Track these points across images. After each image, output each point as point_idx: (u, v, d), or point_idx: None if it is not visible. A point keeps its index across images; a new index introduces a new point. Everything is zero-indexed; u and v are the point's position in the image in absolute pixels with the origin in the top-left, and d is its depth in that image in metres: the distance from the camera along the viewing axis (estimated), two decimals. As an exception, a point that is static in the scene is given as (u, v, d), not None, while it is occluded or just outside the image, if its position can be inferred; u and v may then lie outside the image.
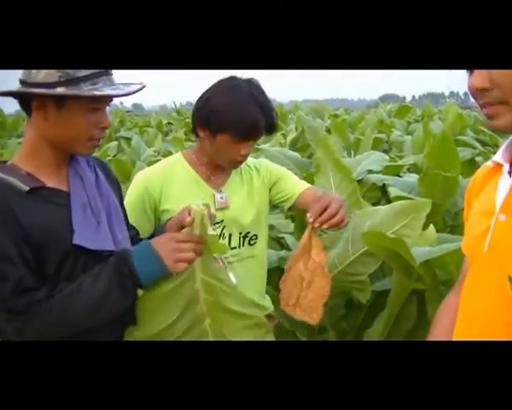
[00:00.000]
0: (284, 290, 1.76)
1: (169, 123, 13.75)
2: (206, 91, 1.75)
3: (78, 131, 1.29)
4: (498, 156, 1.05)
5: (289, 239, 2.57)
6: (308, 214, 1.67)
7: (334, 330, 2.20)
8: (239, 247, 1.85)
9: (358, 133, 7.16)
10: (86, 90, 1.24)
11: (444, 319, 1.20)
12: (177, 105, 19.57)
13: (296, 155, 3.88)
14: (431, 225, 2.12)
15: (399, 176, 3.61)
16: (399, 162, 4.14)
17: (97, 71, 1.25)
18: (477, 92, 0.95)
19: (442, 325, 1.20)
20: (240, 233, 1.85)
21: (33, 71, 1.23)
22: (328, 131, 6.31)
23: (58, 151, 1.33)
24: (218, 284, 1.38)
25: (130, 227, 1.55)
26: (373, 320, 2.17)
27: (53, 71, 1.22)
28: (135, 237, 1.55)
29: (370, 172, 3.42)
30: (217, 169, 1.82)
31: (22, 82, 1.26)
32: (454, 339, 1.07)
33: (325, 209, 1.64)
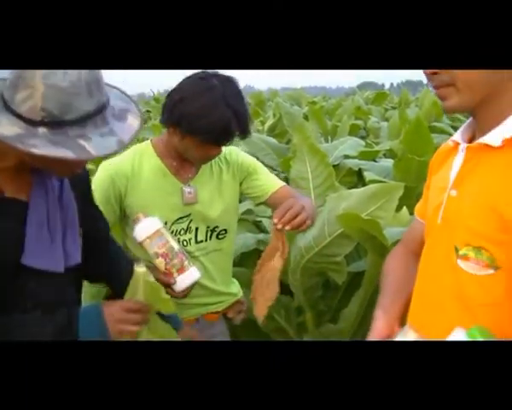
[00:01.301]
0: (255, 283, 1.79)
1: (147, 111, 13.66)
2: (179, 89, 1.67)
3: (59, 165, 1.17)
4: (457, 136, 1.12)
5: (267, 222, 2.61)
6: (273, 216, 1.70)
7: (311, 311, 2.24)
8: (205, 240, 1.85)
9: (336, 120, 7.21)
10: (72, 135, 1.07)
11: (390, 274, 1.28)
12: (155, 93, 19.42)
13: (274, 140, 3.92)
14: (404, 208, 2.18)
15: (375, 161, 3.67)
16: (375, 148, 4.20)
17: (87, 113, 1.09)
18: (429, 76, 1.02)
19: (389, 280, 1.28)
20: (207, 227, 1.84)
21: (18, 96, 1.07)
22: (306, 117, 6.35)
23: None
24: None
25: (101, 219, 1.53)
26: (349, 301, 2.22)
27: (38, 108, 1.05)
28: (104, 233, 1.55)
29: (346, 157, 3.47)
30: (186, 162, 1.77)
31: (4, 100, 1.10)
32: (422, 338, 1.09)
33: (288, 211, 1.68)
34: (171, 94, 1.69)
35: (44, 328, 1.21)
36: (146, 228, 1.60)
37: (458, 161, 1.07)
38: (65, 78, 1.07)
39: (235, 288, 2.01)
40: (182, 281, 1.61)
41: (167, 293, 1.52)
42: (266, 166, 2.01)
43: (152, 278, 1.29)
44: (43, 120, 1.06)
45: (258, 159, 2.03)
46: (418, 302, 1.14)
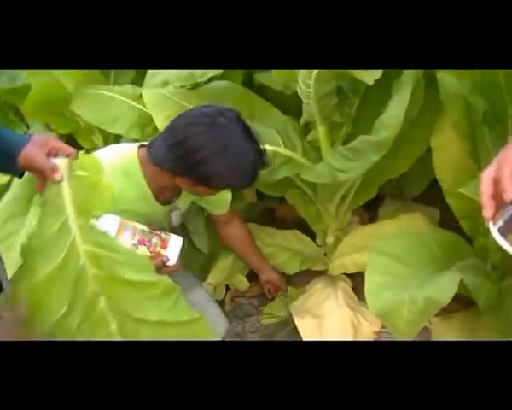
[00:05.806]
0: None
1: None
2: (193, 140, 1.45)
3: None
4: None
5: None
6: None
7: (323, 125, 1.87)
8: None
9: None
10: None
11: None
12: None
13: None
14: None
15: None
16: None
17: None
18: None
19: None
20: None
21: None
22: None
23: None
24: (107, 252, 1.14)
25: None
26: (370, 108, 1.85)
27: None
28: None
29: None
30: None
31: None
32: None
33: None
34: (184, 147, 1.48)
35: None
36: (108, 229, 1.43)
37: None
38: None
39: None
40: (172, 253, 1.58)
41: (166, 273, 1.50)
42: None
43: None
44: None
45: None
46: None
